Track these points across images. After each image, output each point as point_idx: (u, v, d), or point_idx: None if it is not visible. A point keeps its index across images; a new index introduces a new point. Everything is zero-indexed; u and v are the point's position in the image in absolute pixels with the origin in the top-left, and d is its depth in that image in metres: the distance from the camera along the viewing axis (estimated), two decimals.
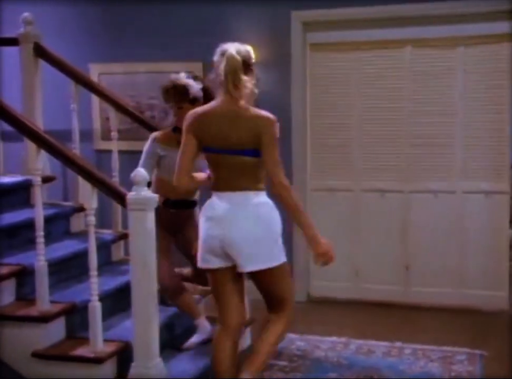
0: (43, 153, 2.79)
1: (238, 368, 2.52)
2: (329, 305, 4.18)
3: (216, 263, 2.46)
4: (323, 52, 4.25)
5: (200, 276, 2.87)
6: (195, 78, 3.11)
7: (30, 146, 2.80)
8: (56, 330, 2.78)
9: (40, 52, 3.58)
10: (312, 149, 4.33)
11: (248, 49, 2.52)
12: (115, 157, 3.64)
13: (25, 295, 2.88)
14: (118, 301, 3.02)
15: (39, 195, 2.77)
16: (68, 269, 3.13)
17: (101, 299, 2.70)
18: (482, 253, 4.08)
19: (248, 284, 3.50)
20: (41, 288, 2.75)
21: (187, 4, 4.35)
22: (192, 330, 3.11)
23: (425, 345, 3.47)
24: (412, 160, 4.18)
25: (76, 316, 2.84)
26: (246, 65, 2.45)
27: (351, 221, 4.27)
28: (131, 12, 4.45)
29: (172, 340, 3.06)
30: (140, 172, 2.56)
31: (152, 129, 3.50)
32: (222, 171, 2.46)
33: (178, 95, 2.99)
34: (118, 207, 3.42)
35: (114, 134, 3.68)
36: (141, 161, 3.04)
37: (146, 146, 3.07)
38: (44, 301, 2.75)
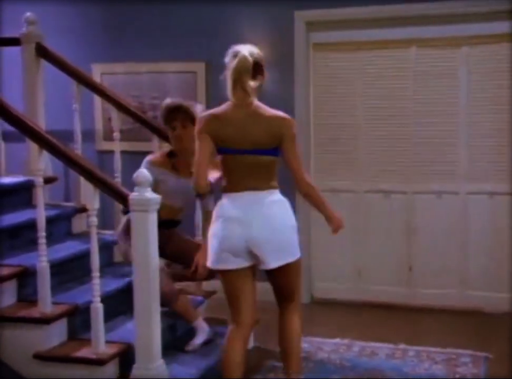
0: (45, 153, 2.79)
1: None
2: (332, 307, 4.17)
3: (236, 263, 2.48)
4: (326, 52, 4.24)
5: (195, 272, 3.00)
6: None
7: (32, 146, 2.80)
8: (58, 332, 2.77)
9: (42, 52, 3.57)
10: (315, 150, 4.31)
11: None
12: (117, 158, 3.63)
13: (27, 296, 2.87)
14: (120, 303, 3.01)
15: (41, 196, 2.76)
16: (70, 270, 3.12)
17: (103, 300, 2.70)
18: (485, 254, 4.06)
19: None
20: (43, 289, 2.74)
21: (189, 4, 4.34)
22: (193, 331, 3.10)
23: (429, 346, 3.45)
24: (415, 161, 4.16)
25: (78, 318, 2.84)
26: (259, 67, 2.49)
27: (354, 222, 4.24)
28: (133, 12, 4.44)
29: (174, 341, 3.05)
30: (143, 173, 2.55)
31: (155, 129, 3.50)
32: (238, 171, 2.47)
33: (184, 114, 2.99)
34: (120, 208, 3.40)
35: (116, 134, 3.67)
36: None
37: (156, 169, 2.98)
38: (46, 302, 2.74)
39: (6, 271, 2.82)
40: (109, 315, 2.85)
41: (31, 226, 2.90)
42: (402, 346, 3.48)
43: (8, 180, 3.50)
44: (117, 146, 3.65)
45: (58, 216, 3.43)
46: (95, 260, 2.67)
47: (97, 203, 2.67)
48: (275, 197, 2.52)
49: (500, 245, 4.01)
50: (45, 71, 3.66)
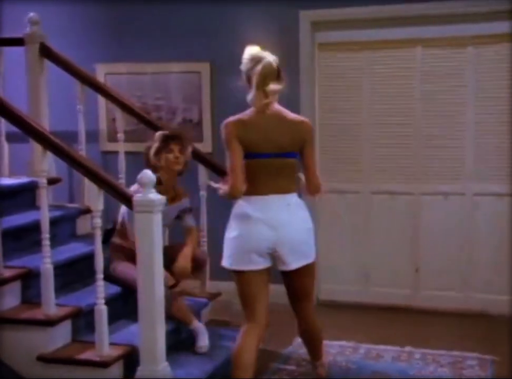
0: (49, 154, 2.77)
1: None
2: (338, 309, 4.14)
3: (260, 264, 2.54)
4: (331, 52, 4.21)
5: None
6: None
7: (36, 147, 2.78)
8: (62, 334, 2.76)
9: (46, 52, 3.56)
10: (320, 150, 4.28)
11: None
12: (122, 159, 3.62)
13: (30, 298, 2.86)
14: (124, 305, 3.00)
15: (44, 197, 2.75)
16: (74, 272, 3.10)
17: (107, 302, 2.68)
18: (493, 256, 4.02)
19: None
20: (47, 291, 2.73)
21: (194, 4, 4.32)
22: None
23: (435, 349, 3.43)
24: (421, 162, 4.13)
25: (81, 320, 2.83)
26: (279, 72, 2.61)
27: (360, 223, 4.23)
28: (138, 12, 4.43)
29: (178, 344, 3.03)
30: (147, 174, 2.54)
31: (158, 130, 3.47)
32: (263, 175, 2.54)
33: (185, 140, 3.14)
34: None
35: (121, 135, 3.65)
36: (132, 225, 2.92)
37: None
38: (50, 304, 2.73)
39: (9, 272, 2.81)
40: (114, 317, 2.84)
41: (35, 227, 2.89)
42: (408, 348, 3.46)
43: (11, 181, 3.49)
44: (121, 147, 3.64)
45: (62, 217, 3.42)
46: (99, 261, 2.65)
47: (101, 205, 2.66)
48: (296, 199, 2.62)
49: (509, 246, 3.97)
50: (48, 72, 3.65)
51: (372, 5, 3.96)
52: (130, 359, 2.69)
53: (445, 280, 4.11)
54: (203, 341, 3.03)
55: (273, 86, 2.51)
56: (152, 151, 3.13)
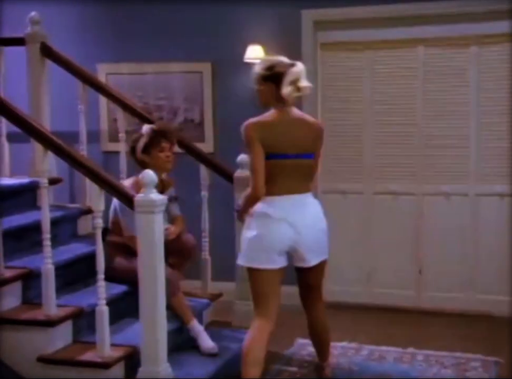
0: (50, 154, 2.76)
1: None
2: (340, 310, 4.11)
3: (280, 263, 2.61)
4: (334, 52, 4.20)
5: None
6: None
7: (37, 147, 2.77)
8: (63, 335, 2.74)
9: (47, 52, 3.55)
10: (323, 151, 4.25)
11: None
12: (123, 159, 3.61)
13: (31, 298, 2.84)
14: (125, 305, 2.98)
15: (46, 197, 2.74)
16: (75, 272, 3.09)
17: (108, 303, 2.67)
18: (496, 257, 4.00)
19: None
20: (48, 292, 2.72)
21: (196, 4, 4.31)
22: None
23: (438, 351, 3.41)
24: (424, 162, 4.11)
25: (83, 320, 2.81)
26: None
27: (363, 224, 4.21)
28: (139, 11, 4.42)
29: (180, 344, 3.01)
30: (149, 174, 2.53)
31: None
32: (283, 175, 2.60)
33: (174, 136, 3.15)
34: None
35: (122, 135, 3.64)
36: (130, 221, 2.89)
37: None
38: (50, 305, 2.72)
39: (10, 273, 2.80)
40: (115, 317, 2.83)
41: (36, 227, 2.87)
42: (410, 350, 3.44)
43: (12, 181, 3.48)
44: (123, 147, 3.62)
45: (63, 218, 3.40)
46: (101, 262, 2.64)
47: (102, 205, 2.64)
48: (312, 199, 2.72)
49: (511, 247, 3.95)
50: (49, 72, 3.64)
51: (374, 4, 3.94)
52: (132, 360, 2.68)
53: (448, 281, 4.09)
54: (206, 341, 3.01)
55: (306, 83, 2.64)
56: (140, 146, 3.09)
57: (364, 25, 4.06)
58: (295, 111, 2.69)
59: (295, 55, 4.08)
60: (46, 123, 3.48)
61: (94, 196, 2.67)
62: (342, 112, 4.22)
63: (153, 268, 2.51)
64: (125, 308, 2.99)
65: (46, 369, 2.66)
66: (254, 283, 2.63)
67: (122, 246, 3.04)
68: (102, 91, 3.70)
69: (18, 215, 3.21)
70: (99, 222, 2.64)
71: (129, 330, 2.89)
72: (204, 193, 3.52)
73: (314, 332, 2.88)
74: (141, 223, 2.51)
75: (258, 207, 2.60)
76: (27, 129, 2.75)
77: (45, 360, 2.66)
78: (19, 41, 3.55)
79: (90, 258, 2.91)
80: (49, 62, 3.60)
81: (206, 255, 3.53)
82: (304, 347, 3.47)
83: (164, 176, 3.18)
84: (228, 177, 3.47)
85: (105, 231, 3.11)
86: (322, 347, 2.92)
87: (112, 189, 2.67)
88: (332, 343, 3.41)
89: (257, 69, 2.68)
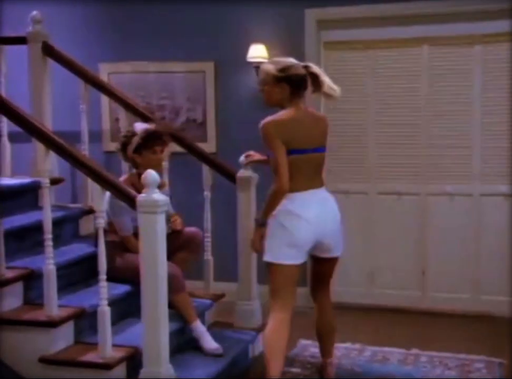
0: (52, 154, 2.75)
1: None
2: (343, 311, 4.06)
3: (302, 259, 2.72)
4: (337, 51, 4.18)
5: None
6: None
7: (39, 147, 2.76)
8: (64, 335, 2.72)
9: (48, 51, 3.53)
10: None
11: None
12: None
13: (33, 299, 2.83)
14: (127, 305, 2.97)
15: (47, 197, 2.72)
16: (77, 273, 3.08)
17: (110, 303, 2.65)
18: (500, 258, 3.98)
19: (259, 289, 3.46)
20: (50, 292, 2.70)
21: (198, 3, 4.29)
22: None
23: (442, 352, 3.39)
24: (428, 162, 4.09)
25: (84, 321, 2.79)
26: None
27: (366, 224, 4.19)
28: (141, 10, 4.40)
29: (183, 345, 2.99)
30: (151, 174, 2.51)
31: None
32: (304, 171, 2.68)
33: (167, 138, 3.14)
34: None
35: None
36: (122, 220, 2.96)
37: (116, 202, 2.84)
38: (52, 305, 2.70)
39: (12, 273, 2.78)
40: (117, 318, 2.81)
41: (37, 227, 2.85)
42: (414, 351, 3.42)
43: (14, 181, 3.46)
44: None
45: (65, 218, 3.39)
46: (102, 262, 2.62)
47: (104, 205, 2.62)
48: (328, 193, 2.83)
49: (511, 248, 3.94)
50: (51, 71, 3.62)
51: (378, 3, 3.92)
52: (134, 360, 2.66)
53: (452, 281, 4.07)
54: (209, 342, 2.99)
55: (327, 78, 2.75)
56: (132, 146, 3.08)
57: (368, 24, 4.04)
58: (305, 108, 2.78)
59: (298, 54, 4.06)
60: (48, 123, 3.46)
61: (96, 196, 2.66)
62: (346, 111, 4.20)
63: (155, 268, 2.49)
64: (127, 308, 2.97)
65: (48, 370, 2.65)
66: (278, 278, 2.69)
67: (121, 244, 3.04)
68: (104, 91, 3.68)
69: (19, 215, 3.19)
70: (101, 222, 2.63)
71: (131, 330, 2.87)
72: (207, 194, 3.50)
73: (321, 326, 2.95)
74: (143, 224, 2.49)
75: (283, 204, 2.66)
76: (28, 128, 2.74)
77: (46, 361, 2.65)
78: (20, 40, 3.53)
79: (92, 258, 2.90)
80: (50, 62, 3.58)
81: (208, 255, 3.51)
82: (307, 348, 3.45)
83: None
84: (231, 177, 3.45)
85: (104, 232, 3.10)
86: (326, 342, 2.97)
87: (114, 189, 2.65)
88: (335, 345, 3.40)
89: (270, 70, 2.70)
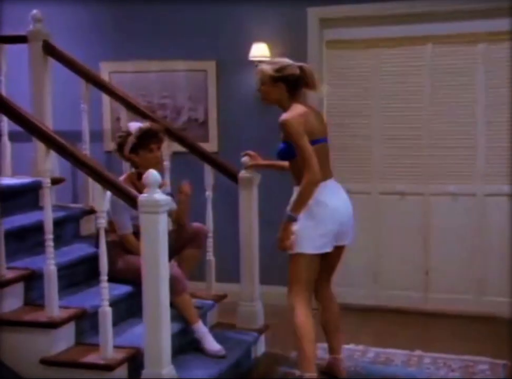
0: (52, 154, 2.73)
1: None
2: (346, 311, 4.03)
3: (332, 246, 2.85)
4: (340, 50, 4.16)
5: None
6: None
7: (40, 146, 2.74)
8: (65, 336, 2.71)
9: (49, 50, 3.51)
10: (329, 155, 4.22)
11: None
12: None
13: (33, 299, 2.81)
14: (129, 306, 2.96)
15: (48, 197, 2.71)
16: (78, 273, 3.06)
17: (111, 304, 2.63)
18: (503, 258, 3.96)
19: (261, 289, 3.44)
20: (50, 293, 2.68)
21: (200, 1, 4.27)
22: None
23: (446, 353, 3.37)
24: (431, 162, 4.07)
25: (85, 322, 2.78)
26: None
27: (369, 224, 4.16)
28: (142, 10, 4.39)
29: (185, 346, 2.98)
30: (152, 173, 2.49)
31: (165, 129, 3.42)
32: (321, 161, 2.77)
33: (163, 135, 3.14)
34: None
35: None
36: (121, 219, 2.96)
37: (116, 200, 2.84)
38: (53, 306, 2.68)
39: (12, 274, 2.76)
40: (118, 319, 2.80)
41: (38, 228, 2.84)
42: (418, 352, 3.40)
43: (14, 181, 3.45)
44: None
45: (66, 218, 3.37)
46: (104, 262, 2.60)
47: (105, 205, 2.60)
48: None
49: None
50: (52, 70, 3.60)
51: (381, 1, 3.90)
52: (135, 361, 2.64)
53: (456, 282, 4.05)
54: (211, 343, 2.97)
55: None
56: (128, 146, 3.07)
57: (371, 22, 4.02)
58: (305, 103, 2.92)
59: (301, 52, 4.07)
60: (48, 122, 3.45)
61: (97, 196, 2.64)
62: (348, 111, 4.18)
63: (156, 268, 2.47)
64: (128, 309, 2.96)
65: (48, 371, 2.63)
66: (308, 269, 2.80)
67: (122, 244, 3.03)
68: (105, 90, 3.67)
69: (20, 215, 3.18)
70: (102, 222, 2.61)
71: (132, 331, 2.85)
72: (208, 193, 3.48)
73: (327, 319, 3.04)
74: (145, 224, 2.48)
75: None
76: (29, 128, 2.72)
77: (47, 362, 2.63)
78: (21, 39, 3.52)
79: (93, 258, 2.89)
80: (51, 61, 3.57)
81: (210, 255, 3.49)
82: None
83: None
84: (233, 176, 3.43)
85: (105, 232, 3.09)
86: (333, 336, 3.04)
87: (115, 189, 2.63)
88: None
89: (266, 70, 2.82)
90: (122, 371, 2.63)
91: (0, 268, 2.72)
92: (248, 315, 3.39)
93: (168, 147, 3.48)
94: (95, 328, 2.67)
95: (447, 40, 3.97)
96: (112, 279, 2.69)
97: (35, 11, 3.52)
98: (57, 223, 2.94)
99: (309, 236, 2.76)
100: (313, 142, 2.77)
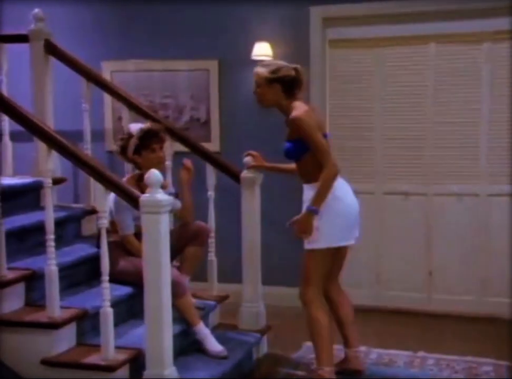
0: (54, 154, 2.71)
1: None
2: None
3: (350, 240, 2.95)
4: (343, 49, 4.15)
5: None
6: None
7: (41, 146, 2.73)
8: (66, 337, 2.69)
9: (51, 49, 3.50)
10: (332, 150, 4.20)
11: None
12: None
13: (34, 300, 2.80)
14: (130, 307, 2.94)
15: (49, 197, 2.69)
16: (79, 274, 3.05)
17: (113, 304, 2.62)
18: (507, 259, 3.93)
19: (263, 290, 3.43)
20: (51, 293, 2.67)
21: (202, 1, 4.25)
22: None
23: (449, 354, 3.35)
24: (435, 162, 4.05)
25: (87, 322, 2.76)
26: None
27: (373, 224, 4.14)
28: (144, 9, 4.37)
29: (187, 347, 2.96)
30: (154, 173, 2.47)
31: (166, 129, 3.41)
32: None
33: (164, 135, 3.14)
34: None
35: None
36: (124, 219, 2.95)
37: (119, 200, 2.81)
38: (54, 306, 2.67)
39: (13, 274, 2.75)
40: (120, 320, 2.79)
41: (39, 228, 2.83)
42: (421, 353, 3.39)
43: (15, 181, 3.44)
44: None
45: (67, 218, 3.36)
46: (105, 263, 2.59)
47: (107, 205, 2.59)
48: None
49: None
50: (53, 69, 3.59)
51: (384, 0, 3.88)
52: (137, 362, 2.64)
53: (460, 283, 4.03)
54: (213, 344, 2.95)
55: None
56: (131, 148, 3.06)
57: (374, 21, 4.00)
58: (305, 101, 2.97)
59: (304, 52, 4.05)
60: (50, 122, 3.44)
61: (99, 196, 2.62)
62: (351, 110, 4.17)
63: (158, 269, 2.46)
64: (130, 309, 2.95)
65: (49, 372, 2.62)
66: (321, 260, 2.84)
67: (123, 245, 3.02)
68: (107, 90, 3.65)
69: (21, 215, 3.17)
70: (104, 222, 2.59)
71: (134, 332, 2.84)
72: (210, 193, 3.46)
73: (340, 313, 3.07)
74: (147, 224, 2.46)
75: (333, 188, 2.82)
76: (30, 128, 2.71)
77: (48, 363, 2.62)
78: (22, 38, 3.50)
79: (94, 259, 2.88)
80: (53, 60, 3.56)
81: (212, 256, 3.47)
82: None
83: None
84: (235, 176, 3.41)
85: (107, 232, 3.07)
86: (348, 328, 3.06)
87: (117, 189, 2.62)
88: (340, 347, 3.37)
89: (262, 72, 2.87)
90: (124, 372, 2.62)
91: (1, 268, 2.72)
92: (250, 316, 3.38)
93: (170, 147, 3.47)
94: (96, 328, 2.66)
95: (450, 39, 3.96)
96: (112, 280, 2.68)
97: (36, 10, 3.51)
98: (58, 223, 2.93)
99: (328, 230, 2.80)
100: (325, 136, 2.86)
